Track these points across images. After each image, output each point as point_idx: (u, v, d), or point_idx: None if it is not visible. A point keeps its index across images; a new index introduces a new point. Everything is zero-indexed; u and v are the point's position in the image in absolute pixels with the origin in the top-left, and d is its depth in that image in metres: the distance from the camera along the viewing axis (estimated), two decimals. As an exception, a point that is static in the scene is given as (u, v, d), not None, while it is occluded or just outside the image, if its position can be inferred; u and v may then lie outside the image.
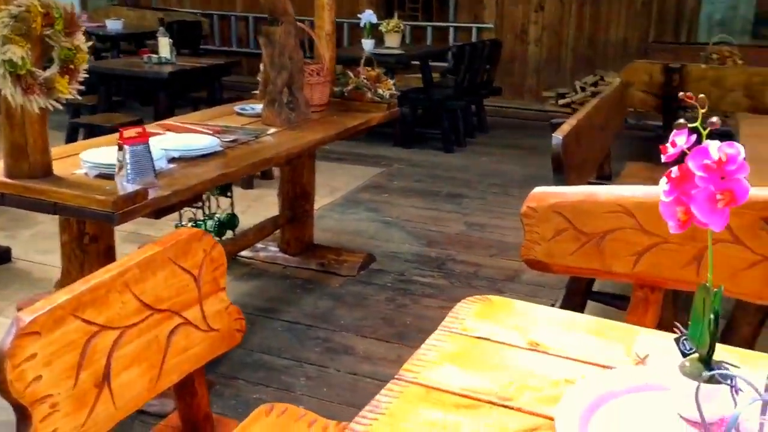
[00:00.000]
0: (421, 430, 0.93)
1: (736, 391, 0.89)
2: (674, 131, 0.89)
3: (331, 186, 4.30)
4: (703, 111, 0.87)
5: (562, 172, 2.29)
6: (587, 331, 1.20)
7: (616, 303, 2.60)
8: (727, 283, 1.58)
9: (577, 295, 2.59)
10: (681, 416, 0.93)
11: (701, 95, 0.88)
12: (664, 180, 0.90)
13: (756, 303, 1.81)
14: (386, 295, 2.93)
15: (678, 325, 1.01)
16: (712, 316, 0.91)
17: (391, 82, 3.10)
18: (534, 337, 1.16)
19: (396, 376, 1.05)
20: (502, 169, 4.96)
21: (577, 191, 1.67)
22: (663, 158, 0.90)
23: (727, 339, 2.45)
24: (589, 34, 7.18)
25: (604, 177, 3.31)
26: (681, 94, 0.90)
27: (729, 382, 0.89)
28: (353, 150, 5.09)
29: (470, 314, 1.24)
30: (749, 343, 2.41)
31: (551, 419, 0.94)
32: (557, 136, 2.25)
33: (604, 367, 1.07)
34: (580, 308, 2.58)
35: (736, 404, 0.90)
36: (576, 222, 1.65)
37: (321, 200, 3.86)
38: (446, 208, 4.08)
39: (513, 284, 3.05)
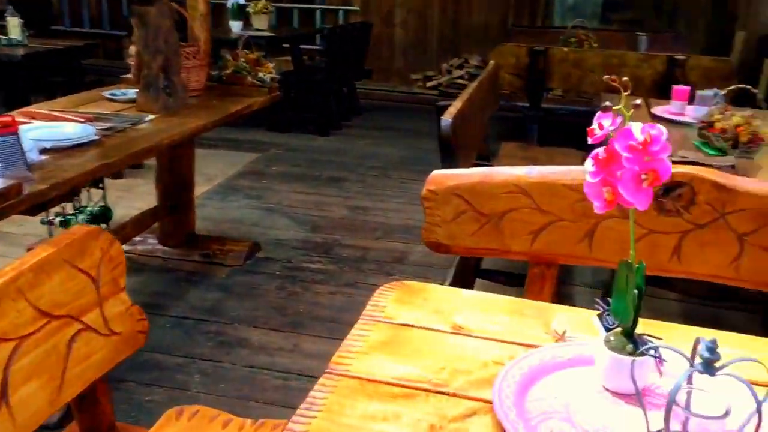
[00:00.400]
0: (362, 424, 0.91)
1: (661, 362, 0.93)
2: (599, 114, 0.92)
3: (206, 174, 4.16)
4: (626, 94, 0.90)
5: (451, 153, 2.33)
6: (505, 311, 1.22)
7: (502, 279, 2.69)
8: (616, 256, 1.67)
9: (467, 274, 2.66)
10: (606, 389, 0.97)
11: (625, 78, 0.90)
12: (589, 162, 0.93)
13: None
14: (276, 284, 2.87)
15: (599, 301, 1.05)
16: (636, 291, 0.94)
17: (271, 65, 3.02)
18: (457, 320, 1.17)
19: (327, 370, 1.02)
20: (379, 152, 4.99)
21: (475, 173, 1.70)
22: (589, 140, 0.92)
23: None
24: (452, 17, 7.34)
25: (484, 157, 3.40)
26: (606, 77, 0.92)
27: (654, 353, 0.93)
28: (226, 135, 4.94)
29: (390, 301, 1.23)
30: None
31: (487, 402, 0.95)
32: (446, 119, 2.27)
33: (527, 346, 1.10)
34: (469, 286, 2.65)
35: (661, 374, 0.95)
36: (475, 203, 1.68)
37: (197, 188, 3.71)
38: (328, 192, 4.05)
39: (402, 266, 3.08)
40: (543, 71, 4.44)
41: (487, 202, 1.66)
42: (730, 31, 6.51)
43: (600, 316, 1.02)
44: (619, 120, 0.90)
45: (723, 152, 2.30)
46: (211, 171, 4.23)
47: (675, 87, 2.87)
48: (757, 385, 0.80)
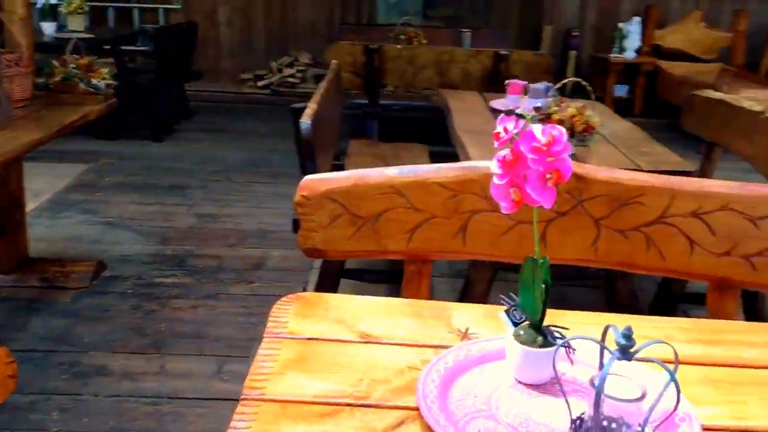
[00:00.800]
0: (294, 450, 0.88)
1: (572, 352, 0.98)
2: (502, 117, 0.95)
3: (33, 189, 3.82)
4: (524, 97, 0.94)
5: (312, 156, 2.31)
6: (405, 314, 1.23)
7: (368, 277, 2.72)
8: (488, 248, 1.74)
9: (332, 276, 2.65)
10: (519, 381, 1.01)
11: (525, 82, 0.94)
12: (495, 164, 0.95)
13: (490, 261, 1.99)
14: (130, 303, 2.70)
15: (504, 297, 1.08)
16: (543, 285, 0.99)
17: (105, 70, 2.83)
18: (362, 329, 1.16)
19: (242, 396, 0.97)
20: (218, 155, 4.85)
21: (348, 176, 1.70)
22: (495, 144, 0.94)
23: (465, 296, 2.71)
24: (278, 15, 7.28)
25: (336, 157, 3.41)
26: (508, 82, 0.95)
27: (566, 343, 0.98)
28: (49, 147, 4.56)
29: (290, 315, 1.20)
30: (483, 299, 2.69)
31: (413, 409, 0.95)
32: (305, 122, 2.25)
33: (436, 347, 1.11)
34: (334, 287, 2.65)
35: (573, 363, 1.00)
36: (350, 206, 1.68)
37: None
38: (170, 201, 3.88)
39: (260, 272, 3.01)
40: (378, 69, 4.52)
41: (362, 205, 1.66)
42: (539, 26, 7.00)
43: (507, 311, 1.05)
44: (522, 123, 0.93)
45: (563, 142, 2.48)
46: (38, 186, 3.90)
47: (510, 81, 3.03)
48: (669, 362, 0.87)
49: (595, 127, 2.47)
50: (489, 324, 1.18)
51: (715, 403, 0.99)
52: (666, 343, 0.86)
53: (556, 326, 1.01)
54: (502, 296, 1.09)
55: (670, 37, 6.64)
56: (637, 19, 6.50)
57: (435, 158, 3.16)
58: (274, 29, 7.29)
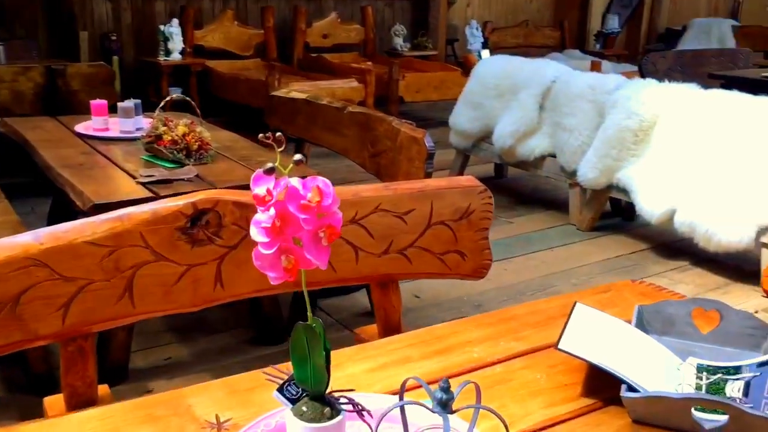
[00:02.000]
0: None
1: (368, 414, 0.90)
2: (259, 176, 0.81)
3: None
4: (280, 150, 0.81)
5: None
6: (139, 421, 0.99)
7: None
8: (161, 303, 1.54)
9: None
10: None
11: (278, 133, 0.81)
12: (257, 232, 0.81)
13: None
14: None
15: (269, 373, 0.95)
16: (324, 352, 0.88)
17: None
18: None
19: None
20: None
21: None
22: (260, 209, 0.80)
23: (103, 350, 2.38)
24: None
25: None
26: (260, 135, 0.81)
27: (360, 408, 0.89)
28: None
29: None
30: (126, 349, 2.41)
31: None
32: None
33: (199, 453, 0.92)
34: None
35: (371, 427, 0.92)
36: (-25, 295, 1.32)
37: None
38: None
39: None
40: None
41: (-8, 289, 1.30)
42: (73, 32, 6.49)
43: (280, 388, 0.92)
44: (284, 181, 0.80)
45: (180, 163, 2.31)
46: None
47: (93, 102, 2.72)
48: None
49: (209, 144, 2.36)
50: (238, 401, 1.02)
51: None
52: (473, 382, 0.84)
53: (339, 391, 0.92)
54: (266, 372, 0.95)
55: (210, 37, 6.79)
56: (176, 21, 6.47)
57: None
58: None
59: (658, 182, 3.61)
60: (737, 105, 3.48)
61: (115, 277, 1.42)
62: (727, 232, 3.28)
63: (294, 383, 0.91)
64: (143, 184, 2.05)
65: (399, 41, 7.83)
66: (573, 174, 4.12)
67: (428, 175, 2.60)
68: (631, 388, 1.00)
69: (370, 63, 6.96)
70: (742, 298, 3.26)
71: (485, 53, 7.23)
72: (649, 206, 3.62)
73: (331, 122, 3.05)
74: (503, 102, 4.64)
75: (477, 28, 8.15)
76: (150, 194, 2.01)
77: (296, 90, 5.10)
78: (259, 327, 2.64)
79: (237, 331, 2.72)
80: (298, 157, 0.81)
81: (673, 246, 3.87)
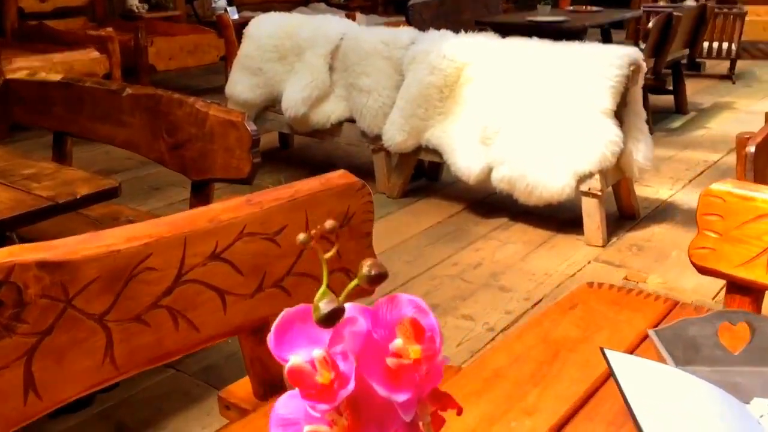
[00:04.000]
0: None
1: None
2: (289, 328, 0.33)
3: None
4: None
5: None
6: None
7: None
8: None
9: None
10: None
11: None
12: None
13: None
14: None
15: None
16: None
17: None
18: None
19: None
20: None
21: None
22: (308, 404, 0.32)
23: None
24: None
25: None
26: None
27: None
28: None
29: None
30: None
31: None
32: None
33: None
34: None
35: None
36: None
37: None
38: None
39: None
40: None
41: None
42: None
43: None
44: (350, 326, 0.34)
45: None
46: None
47: None
48: None
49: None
50: None
51: None
52: None
53: None
54: None
55: None
56: None
57: None
58: None
59: (471, 140, 3.43)
60: (540, 52, 3.39)
61: None
62: (547, 185, 3.20)
63: None
64: None
65: (134, 2, 6.95)
66: (377, 139, 3.82)
67: (255, 166, 2.13)
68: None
69: (110, 29, 6.04)
70: (571, 251, 3.21)
71: (232, 10, 6.64)
72: (465, 166, 3.44)
73: (104, 109, 2.42)
74: (286, 65, 4.19)
75: (216, -16, 7.52)
76: None
77: (29, 69, 4.20)
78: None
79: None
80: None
81: (486, 202, 3.76)
